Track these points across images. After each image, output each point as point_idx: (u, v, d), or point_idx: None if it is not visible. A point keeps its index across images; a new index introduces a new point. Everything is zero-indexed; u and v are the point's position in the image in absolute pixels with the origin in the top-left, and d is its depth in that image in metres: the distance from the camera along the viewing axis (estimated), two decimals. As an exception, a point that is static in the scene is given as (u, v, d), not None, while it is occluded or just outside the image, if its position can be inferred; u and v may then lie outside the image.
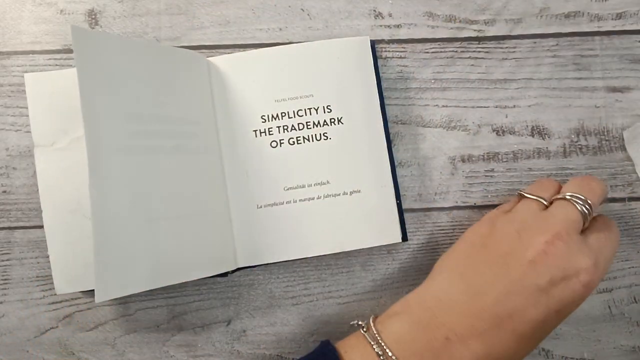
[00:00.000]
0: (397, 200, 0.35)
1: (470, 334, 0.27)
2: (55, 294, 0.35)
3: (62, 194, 0.33)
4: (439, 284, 0.29)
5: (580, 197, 0.30)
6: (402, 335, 0.28)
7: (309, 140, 0.35)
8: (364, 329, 0.29)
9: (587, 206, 0.29)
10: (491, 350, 0.27)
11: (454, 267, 0.30)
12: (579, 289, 0.27)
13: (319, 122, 0.35)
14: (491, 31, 0.37)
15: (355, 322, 0.30)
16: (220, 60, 0.35)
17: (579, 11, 0.37)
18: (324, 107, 0.35)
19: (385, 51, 0.37)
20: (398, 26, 0.37)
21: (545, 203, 0.31)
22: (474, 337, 0.27)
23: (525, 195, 0.32)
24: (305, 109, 0.35)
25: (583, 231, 0.30)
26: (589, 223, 0.30)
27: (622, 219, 0.36)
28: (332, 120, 0.35)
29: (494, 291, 0.28)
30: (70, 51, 0.36)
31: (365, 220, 0.34)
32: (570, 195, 0.30)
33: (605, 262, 0.29)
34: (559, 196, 0.30)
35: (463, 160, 0.37)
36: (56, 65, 0.36)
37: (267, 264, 0.35)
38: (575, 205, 0.29)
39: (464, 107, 0.37)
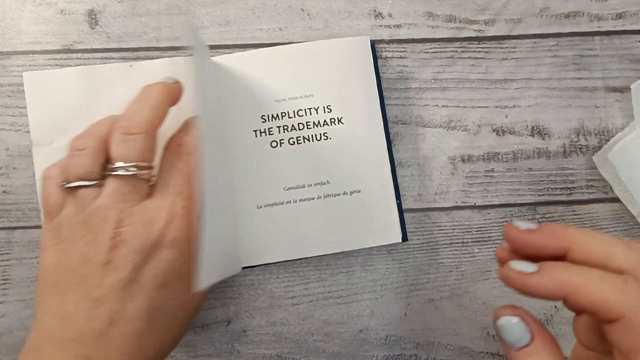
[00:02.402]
0: (397, 200, 0.35)
1: None
2: (55, 294, 0.35)
3: None
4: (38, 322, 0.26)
5: (128, 165, 0.26)
6: None
7: (309, 140, 0.35)
8: None
9: (138, 169, 0.26)
10: None
11: (42, 302, 0.26)
12: (170, 252, 0.26)
13: (319, 122, 0.35)
14: (491, 31, 0.37)
15: None
16: (220, 60, 0.35)
17: (579, 11, 0.37)
18: (324, 107, 0.35)
19: (385, 51, 0.37)
20: (398, 26, 0.37)
21: (94, 185, 0.26)
22: None
23: (68, 185, 0.26)
24: (305, 109, 0.35)
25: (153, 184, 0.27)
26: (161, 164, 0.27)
27: (622, 219, 0.36)
28: (332, 120, 0.35)
29: (79, 310, 0.25)
30: (70, 51, 0.36)
31: (365, 220, 0.34)
32: (117, 169, 0.26)
33: (179, 199, 0.26)
34: (106, 171, 0.26)
35: (463, 160, 0.37)
36: (56, 65, 0.36)
37: (267, 264, 0.35)
38: (126, 177, 0.26)
39: (464, 107, 0.37)
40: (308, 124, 0.35)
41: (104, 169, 0.26)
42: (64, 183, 0.27)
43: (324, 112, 0.35)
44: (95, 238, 0.25)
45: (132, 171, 0.26)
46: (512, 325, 0.22)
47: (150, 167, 0.27)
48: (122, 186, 0.26)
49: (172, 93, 0.29)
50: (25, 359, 0.26)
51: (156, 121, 0.27)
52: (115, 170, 0.26)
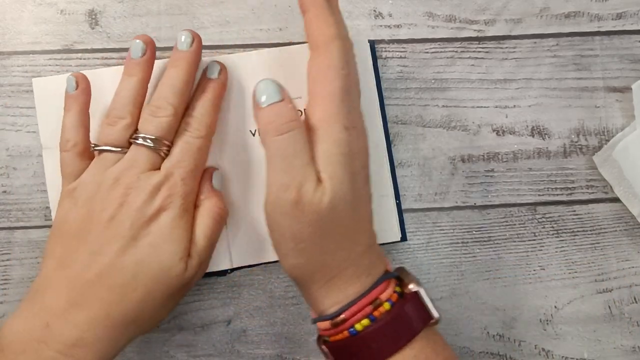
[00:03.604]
0: (396, 200, 0.35)
1: (67, 307, 0.27)
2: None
3: None
4: (40, 272, 0.30)
5: (148, 137, 0.29)
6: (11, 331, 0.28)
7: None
8: None
9: (156, 144, 0.29)
10: (100, 313, 0.27)
11: (48, 248, 0.30)
12: (167, 217, 0.29)
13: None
14: (491, 31, 0.37)
15: None
16: (219, 60, 0.35)
17: (579, 11, 0.37)
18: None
19: (385, 51, 0.37)
20: (398, 26, 0.37)
21: (118, 151, 0.30)
22: (72, 308, 0.27)
23: (96, 148, 0.30)
24: (303, 109, 0.35)
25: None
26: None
27: (622, 219, 0.36)
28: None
29: (78, 258, 0.28)
30: (70, 51, 0.36)
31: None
32: (138, 138, 0.29)
33: (180, 171, 0.29)
34: (130, 139, 0.30)
35: (463, 160, 0.37)
36: (56, 65, 0.36)
37: (267, 263, 0.35)
38: (145, 147, 0.29)
39: (464, 107, 0.37)
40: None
41: (130, 138, 0.30)
42: (94, 145, 0.31)
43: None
44: (107, 196, 0.29)
45: (151, 144, 0.29)
46: (268, 83, 0.28)
47: (168, 146, 0.30)
48: (140, 155, 0.29)
49: (194, 68, 0.32)
50: (24, 301, 0.29)
51: (181, 105, 0.30)
52: (137, 140, 0.29)
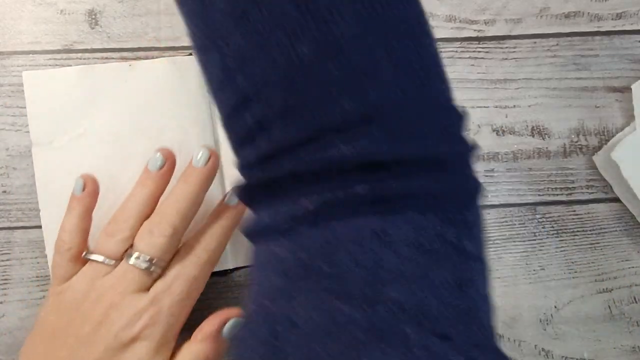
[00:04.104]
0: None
1: None
2: (55, 294, 0.35)
3: (60, 193, 0.33)
4: None
5: (143, 256, 0.28)
6: None
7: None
8: None
9: (150, 264, 0.28)
10: None
11: (27, 349, 0.29)
12: (143, 347, 0.27)
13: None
14: (491, 31, 0.37)
15: None
16: None
17: (579, 11, 0.37)
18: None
19: (385, 51, 0.37)
20: (398, 26, 0.37)
21: (110, 264, 0.29)
22: None
23: (87, 256, 0.29)
24: None
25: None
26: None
27: (622, 219, 0.36)
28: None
29: None
30: (70, 51, 0.36)
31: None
32: (132, 258, 0.28)
33: (171, 292, 0.28)
34: (125, 254, 0.29)
35: (463, 160, 0.37)
36: (56, 65, 0.36)
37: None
38: (137, 269, 0.28)
39: (464, 107, 0.37)
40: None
41: (125, 252, 0.29)
42: (85, 252, 0.29)
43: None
44: (88, 311, 0.28)
45: (143, 265, 0.28)
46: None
47: (163, 266, 0.29)
48: (130, 274, 0.28)
49: (206, 186, 0.30)
50: None
51: (183, 225, 0.29)
52: (130, 258, 0.28)
